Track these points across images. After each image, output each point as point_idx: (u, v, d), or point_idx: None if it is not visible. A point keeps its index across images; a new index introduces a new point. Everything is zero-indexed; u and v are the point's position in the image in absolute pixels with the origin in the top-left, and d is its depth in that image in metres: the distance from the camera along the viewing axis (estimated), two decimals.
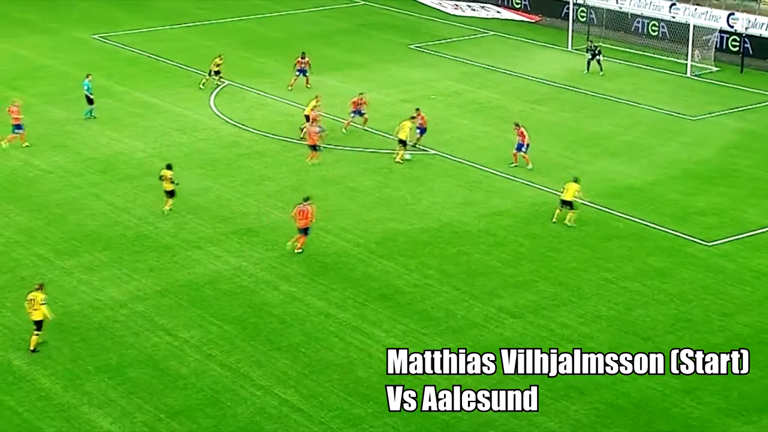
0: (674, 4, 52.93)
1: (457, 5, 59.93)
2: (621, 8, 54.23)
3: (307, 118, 39.08)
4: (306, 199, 30.28)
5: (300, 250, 29.97)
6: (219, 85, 44.66)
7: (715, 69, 47.55)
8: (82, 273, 29.20)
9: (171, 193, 32.70)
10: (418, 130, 37.43)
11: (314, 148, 36.24)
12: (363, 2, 61.84)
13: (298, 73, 44.92)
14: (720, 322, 26.54)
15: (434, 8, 59.79)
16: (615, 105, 43.23)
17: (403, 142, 36.55)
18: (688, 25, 48.13)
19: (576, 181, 31.70)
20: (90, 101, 40.95)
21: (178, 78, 47.02)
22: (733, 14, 50.41)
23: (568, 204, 31.43)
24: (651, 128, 40.65)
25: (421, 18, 57.95)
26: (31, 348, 25.14)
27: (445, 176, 35.86)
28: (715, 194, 34.28)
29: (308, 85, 44.73)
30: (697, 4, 52.65)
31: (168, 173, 32.61)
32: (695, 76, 46.98)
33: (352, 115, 39.73)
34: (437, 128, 39.54)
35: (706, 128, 40.67)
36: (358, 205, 33.59)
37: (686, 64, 47.28)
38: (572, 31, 51.19)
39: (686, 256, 29.83)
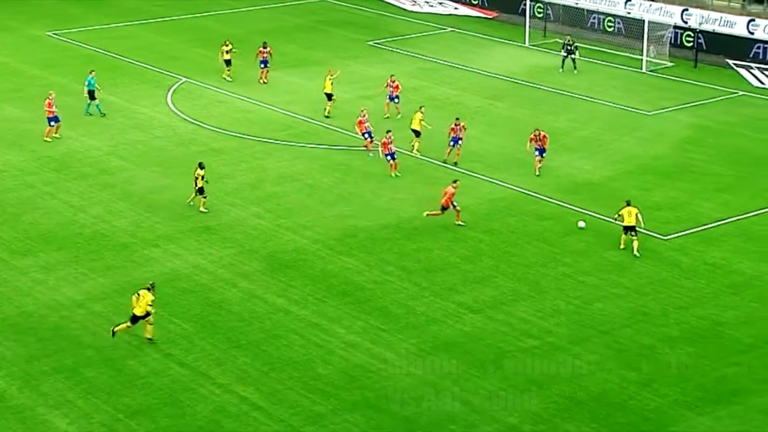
0: (629, 0, 53.30)
1: (414, 2, 59.89)
2: (577, 4, 54.49)
3: (329, 96, 40.32)
4: (454, 181, 31.16)
5: (461, 223, 31.25)
6: (227, 78, 44.96)
7: (669, 64, 47.97)
8: (38, 273, 28.78)
9: (200, 191, 32.24)
10: (451, 141, 36.09)
11: (391, 156, 35.41)
12: None
13: (262, 64, 44.88)
14: (676, 315, 26.77)
15: (392, 5, 59.71)
16: (572, 101, 43.46)
17: (416, 133, 37.18)
18: (643, 20, 48.51)
19: (629, 204, 29.78)
20: (92, 96, 40.72)
21: (134, 75, 46.53)
22: (687, 10, 50.86)
23: (631, 229, 29.48)
24: (607, 124, 40.90)
25: (379, 14, 57.87)
26: (114, 328, 25.26)
27: (405, 172, 35.81)
28: (670, 189, 34.57)
29: (264, 80, 44.65)
30: (652, 0, 53.07)
31: (200, 171, 32.14)
32: (650, 71, 47.36)
33: (389, 99, 40.71)
34: (396, 125, 39.49)
35: (661, 123, 41.01)
36: (317, 202, 33.47)
37: (641, 59, 47.65)
38: (529, 27, 51.39)
39: (643, 251, 30.03)
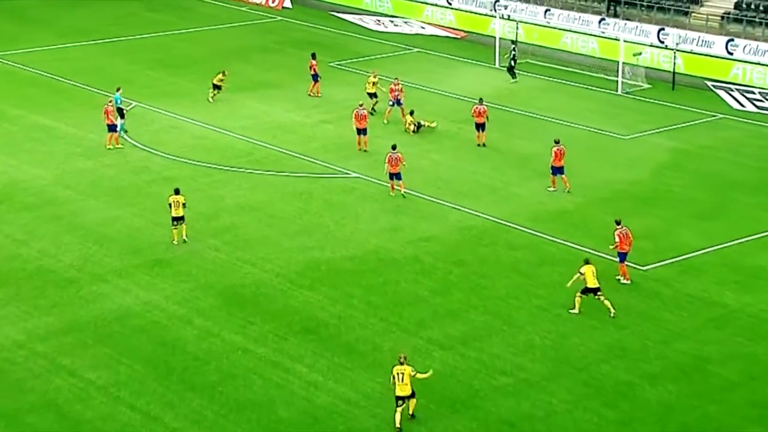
0: (603, 19, 54.01)
1: (379, 20, 60.30)
2: (549, 23, 55.12)
3: (371, 95, 42.69)
4: (618, 223, 30.05)
5: (627, 281, 29.81)
6: (211, 100, 45.72)
7: (646, 86, 48.58)
8: None
9: (181, 219, 32.11)
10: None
11: (397, 176, 35.78)
12: (280, 18, 61.86)
13: (313, 79, 46.60)
14: (656, 350, 26.95)
15: (355, 24, 60.08)
16: (544, 124, 43.85)
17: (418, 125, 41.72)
18: (618, 40, 49.15)
19: (588, 262, 28.48)
20: (122, 115, 41.28)
21: (81, 100, 46.36)
22: (664, 29, 51.61)
23: (596, 291, 28.05)
24: (582, 148, 41.24)
25: (341, 34, 58.18)
26: (411, 413, 23.72)
27: (370, 201, 35.92)
28: (648, 216, 34.89)
29: (315, 93, 46.56)
30: (627, 19, 53.80)
31: (180, 198, 32.10)
32: (626, 93, 47.94)
33: (391, 104, 42.75)
34: (361, 150, 39.67)
35: (638, 148, 41.45)
36: (277, 233, 33.45)
37: (617, 81, 48.24)
38: (499, 47, 51.87)
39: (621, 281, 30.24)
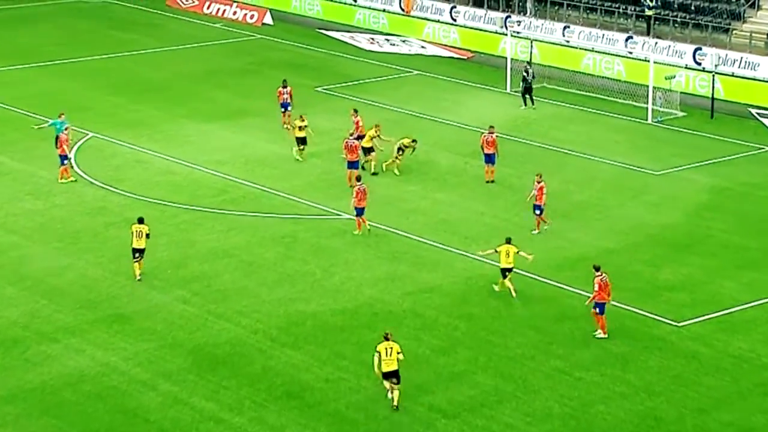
0: (631, 37, 54.49)
1: (373, 39, 60.76)
2: (568, 42, 55.56)
3: (365, 150, 41.45)
4: (597, 269, 30.47)
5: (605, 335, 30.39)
6: (299, 158, 43.06)
7: (680, 114, 48.91)
8: None
9: (143, 252, 32.94)
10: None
11: (361, 211, 36.60)
12: (260, 36, 62.34)
13: (283, 108, 46.23)
14: (695, 420, 26.95)
15: (346, 43, 60.56)
16: (564, 158, 44.10)
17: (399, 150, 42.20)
18: (648, 61, 49.55)
19: (509, 242, 32.36)
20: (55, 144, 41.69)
21: (30, 131, 46.51)
22: (701, 49, 52.04)
23: (508, 271, 32.30)
24: (608, 185, 41.48)
25: (330, 55, 58.60)
26: (395, 405, 26.08)
27: (362, 245, 36.05)
28: (685, 265, 35.00)
29: (286, 125, 45.73)
30: (658, 38, 54.28)
31: (144, 228, 32.89)
32: (657, 122, 48.26)
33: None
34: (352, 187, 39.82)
35: (672, 185, 41.67)
36: (256, 283, 33.53)
37: (647, 108, 48.57)
38: (511, 69, 52.27)
39: (653, 340, 30.33)
